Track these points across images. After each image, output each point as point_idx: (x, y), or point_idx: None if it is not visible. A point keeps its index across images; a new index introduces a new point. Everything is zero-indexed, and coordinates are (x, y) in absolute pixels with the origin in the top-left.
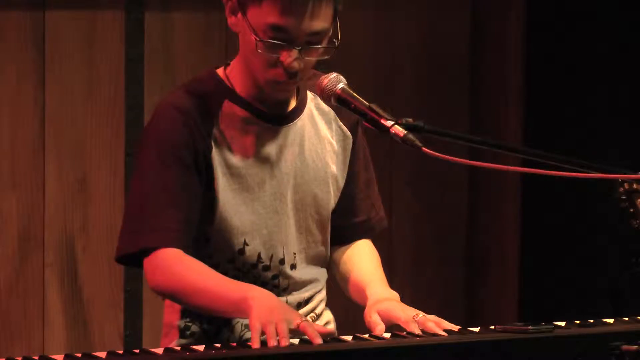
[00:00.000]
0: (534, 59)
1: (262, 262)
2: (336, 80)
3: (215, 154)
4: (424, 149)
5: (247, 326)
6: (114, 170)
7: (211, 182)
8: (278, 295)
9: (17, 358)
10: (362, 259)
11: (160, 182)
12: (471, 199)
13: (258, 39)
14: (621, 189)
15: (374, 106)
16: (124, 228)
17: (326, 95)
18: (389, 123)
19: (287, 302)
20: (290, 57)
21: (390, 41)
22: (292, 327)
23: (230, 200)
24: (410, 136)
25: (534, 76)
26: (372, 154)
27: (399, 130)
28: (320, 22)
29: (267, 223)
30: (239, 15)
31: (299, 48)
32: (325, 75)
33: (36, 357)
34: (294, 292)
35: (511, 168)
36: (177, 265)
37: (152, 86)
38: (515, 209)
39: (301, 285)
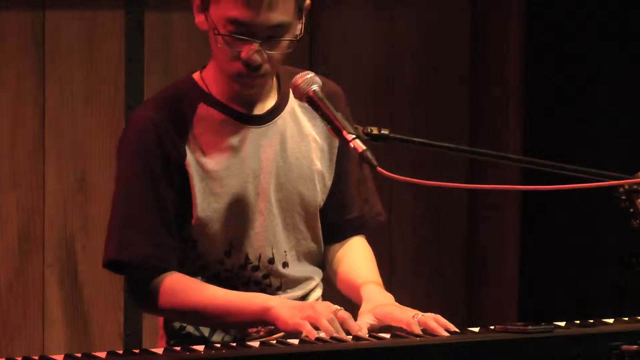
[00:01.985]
0: (534, 59)
1: (251, 263)
2: (311, 82)
3: (190, 160)
4: (378, 168)
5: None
6: (114, 170)
7: (188, 188)
8: (272, 294)
9: (17, 358)
10: (356, 258)
11: (134, 198)
12: (471, 199)
13: (218, 33)
14: (621, 189)
15: (339, 116)
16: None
17: (298, 94)
18: (350, 136)
19: None
20: (250, 51)
21: (390, 41)
22: (336, 317)
23: (211, 204)
24: (368, 154)
25: (534, 76)
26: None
27: (359, 145)
28: (279, 15)
29: (253, 224)
30: (204, 12)
31: (260, 42)
32: (302, 74)
33: (36, 357)
34: (288, 291)
35: (488, 187)
36: (179, 289)
37: (152, 86)
38: (515, 209)
39: (294, 283)
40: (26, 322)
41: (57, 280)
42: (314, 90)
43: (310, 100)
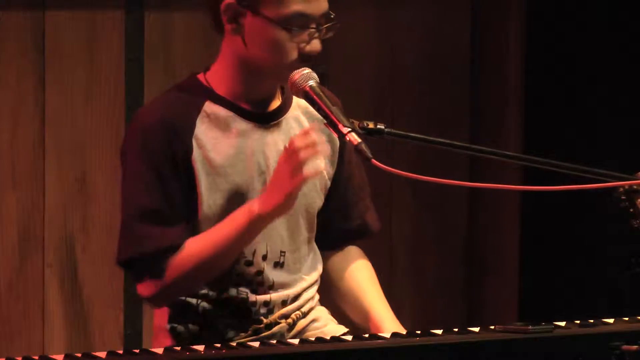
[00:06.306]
0: (534, 59)
1: (245, 257)
2: (307, 77)
3: (196, 156)
4: (373, 160)
5: (229, 325)
6: (114, 170)
7: (193, 184)
8: (263, 292)
9: (17, 358)
10: (361, 276)
11: (144, 193)
12: (471, 199)
13: (291, 29)
14: (621, 189)
15: (335, 110)
16: (124, 233)
17: (295, 90)
18: (345, 129)
19: (270, 299)
20: (316, 41)
21: (390, 41)
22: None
23: (217, 201)
24: (363, 146)
25: (534, 76)
26: (372, 154)
27: (354, 138)
28: (326, 2)
29: None
30: (247, 16)
31: (320, 29)
32: (299, 70)
33: (36, 357)
34: (280, 290)
35: (483, 185)
36: (180, 256)
37: (152, 86)
38: (515, 209)
39: (286, 283)
40: (26, 322)
41: (57, 280)
42: (310, 85)
43: (307, 96)
